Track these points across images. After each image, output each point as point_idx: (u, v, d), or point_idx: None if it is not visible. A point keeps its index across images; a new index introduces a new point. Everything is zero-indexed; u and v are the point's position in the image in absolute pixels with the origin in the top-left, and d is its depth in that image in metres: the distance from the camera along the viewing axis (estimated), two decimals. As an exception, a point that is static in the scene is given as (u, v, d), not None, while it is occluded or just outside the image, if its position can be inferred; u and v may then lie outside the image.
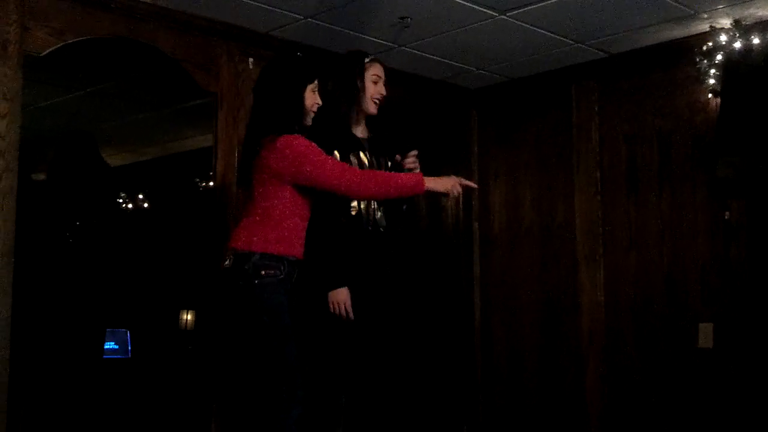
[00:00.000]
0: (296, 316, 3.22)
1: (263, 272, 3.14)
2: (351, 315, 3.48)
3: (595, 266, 4.95)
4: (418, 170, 3.65)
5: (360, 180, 3.20)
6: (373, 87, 3.68)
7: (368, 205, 3.61)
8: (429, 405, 5.32)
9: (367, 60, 3.71)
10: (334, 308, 3.48)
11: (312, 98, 3.33)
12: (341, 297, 3.47)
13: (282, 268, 3.16)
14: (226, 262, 3.21)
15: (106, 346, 6.35)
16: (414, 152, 3.67)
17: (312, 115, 3.35)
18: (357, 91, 3.66)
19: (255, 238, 3.15)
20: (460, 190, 3.43)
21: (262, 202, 3.19)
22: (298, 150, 3.16)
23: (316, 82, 3.35)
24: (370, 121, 3.77)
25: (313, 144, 3.20)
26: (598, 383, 4.88)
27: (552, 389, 5.10)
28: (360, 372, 3.64)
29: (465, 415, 5.44)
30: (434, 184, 3.36)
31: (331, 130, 3.60)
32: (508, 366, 5.36)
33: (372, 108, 3.70)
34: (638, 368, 4.73)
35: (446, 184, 3.39)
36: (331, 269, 3.49)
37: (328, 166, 3.18)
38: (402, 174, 3.40)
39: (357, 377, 3.64)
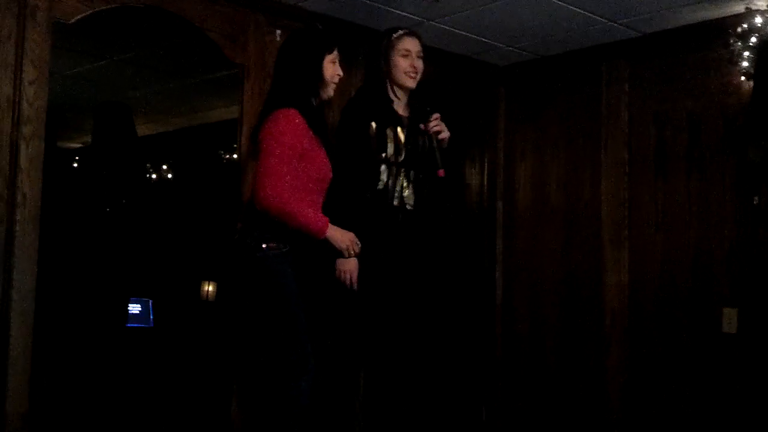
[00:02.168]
0: (308, 287, 3.21)
1: (264, 245, 3.12)
2: (355, 286, 3.43)
3: (620, 247, 4.91)
4: (444, 133, 3.63)
5: (273, 195, 3.04)
6: (404, 61, 3.64)
7: (396, 180, 3.59)
8: (448, 384, 5.32)
9: (394, 35, 3.67)
10: (340, 276, 3.43)
11: (332, 69, 3.28)
12: (349, 266, 3.42)
13: (285, 240, 3.13)
14: (236, 236, 3.22)
15: (131, 310, 6.40)
16: (436, 115, 3.62)
17: (333, 86, 3.31)
18: (382, 67, 3.64)
19: (257, 212, 3.11)
20: (357, 250, 3.27)
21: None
22: (271, 126, 3.11)
23: (336, 52, 3.30)
24: (411, 99, 3.73)
25: (291, 131, 3.09)
26: (620, 365, 4.85)
27: (573, 370, 5.08)
28: (379, 348, 3.63)
29: (484, 395, 5.43)
30: (334, 233, 3.20)
31: (372, 104, 3.59)
32: (529, 346, 5.33)
33: (407, 81, 3.66)
34: (661, 351, 4.69)
35: (345, 239, 3.23)
36: None
37: (272, 161, 3.06)
38: (312, 215, 3.16)
39: (376, 353, 3.64)
